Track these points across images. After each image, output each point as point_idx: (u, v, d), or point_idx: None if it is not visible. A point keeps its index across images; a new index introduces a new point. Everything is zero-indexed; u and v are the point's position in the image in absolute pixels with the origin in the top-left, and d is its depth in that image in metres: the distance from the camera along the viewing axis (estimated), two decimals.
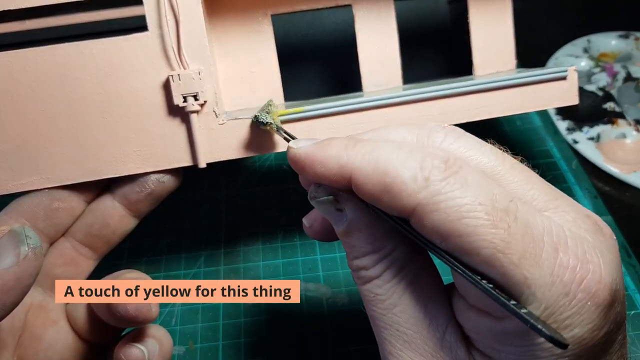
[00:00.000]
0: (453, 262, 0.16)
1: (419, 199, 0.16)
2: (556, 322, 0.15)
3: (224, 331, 0.31)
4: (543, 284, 0.15)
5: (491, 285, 0.15)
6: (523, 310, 0.15)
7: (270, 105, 0.24)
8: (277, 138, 0.26)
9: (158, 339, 0.24)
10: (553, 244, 0.16)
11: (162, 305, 0.32)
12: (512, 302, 0.15)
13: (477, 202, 0.15)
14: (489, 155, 0.18)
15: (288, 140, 0.22)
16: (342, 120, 0.26)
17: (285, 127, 0.25)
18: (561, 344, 0.14)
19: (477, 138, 0.19)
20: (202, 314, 0.32)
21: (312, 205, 0.20)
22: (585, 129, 0.45)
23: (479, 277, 0.15)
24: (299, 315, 0.32)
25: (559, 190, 0.18)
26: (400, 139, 0.19)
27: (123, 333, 0.26)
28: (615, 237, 0.18)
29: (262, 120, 0.24)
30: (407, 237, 0.18)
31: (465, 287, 0.17)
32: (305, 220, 0.23)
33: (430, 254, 0.19)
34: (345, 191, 0.19)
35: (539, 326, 0.14)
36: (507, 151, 0.19)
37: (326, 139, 0.19)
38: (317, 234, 0.22)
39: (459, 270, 0.16)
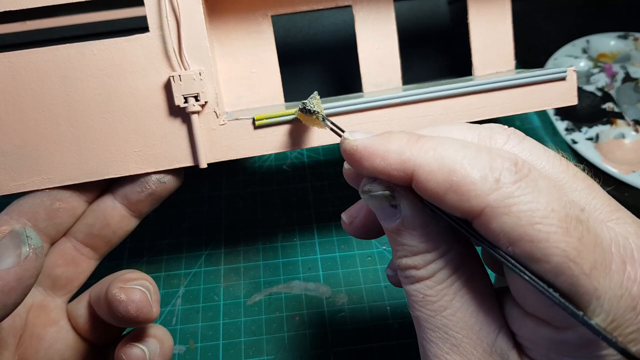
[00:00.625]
0: (519, 267, 0.15)
1: (489, 200, 0.15)
2: (621, 335, 0.15)
3: (224, 330, 0.31)
4: (612, 296, 0.15)
5: (557, 294, 0.15)
6: (592, 321, 0.14)
7: (314, 97, 0.24)
8: (277, 139, 0.26)
9: (159, 338, 0.24)
10: (620, 255, 0.15)
11: (163, 305, 0.32)
12: (580, 312, 0.15)
13: (549, 209, 0.15)
14: (552, 161, 0.18)
15: (336, 132, 0.21)
16: (343, 121, 0.26)
17: (284, 128, 0.25)
18: (632, 357, 0.14)
19: (539, 143, 0.19)
20: (202, 314, 0.32)
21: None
22: (584, 129, 0.45)
23: (547, 285, 0.15)
24: (299, 315, 0.32)
25: (618, 202, 0.18)
26: (461, 138, 0.18)
27: (124, 333, 0.26)
28: None
29: (309, 107, 0.23)
30: (461, 240, 0.18)
31: (522, 294, 0.17)
32: (345, 216, 0.22)
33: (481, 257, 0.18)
34: (402, 187, 0.18)
35: (612, 338, 0.14)
36: (569, 159, 0.19)
37: (385, 132, 0.18)
38: (356, 230, 0.22)
39: (525, 277, 0.15)
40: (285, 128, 0.25)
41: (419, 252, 0.18)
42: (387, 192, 0.18)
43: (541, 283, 0.15)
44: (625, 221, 0.17)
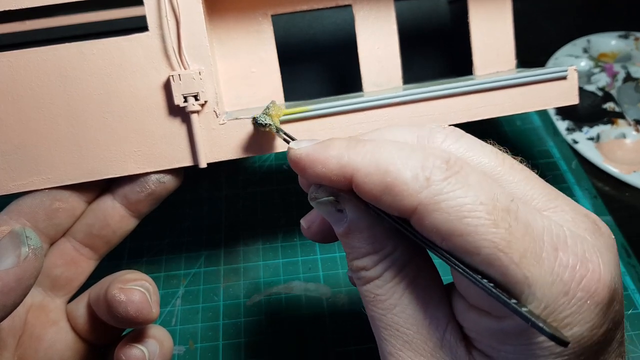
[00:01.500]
0: (454, 261, 0.16)
1: (420, 198, 0.16)
2: (556, 320, 0.15)
3: (223, 331, 0.31)
4: (543, 283, 0.15)
5: (492, 285, 0.15)
6: (524, 309, 0.15)
7: (270, 107, 0.24)
8: (277, 139, 0.26)
9: (158, 339, 0.24)
10: (553, 243, 0.16)
11: (162, 305, 0.32)
12: (513, 301, 0.15)
13: (478, 202, 0.15)
14: (489, 156, 0.18)
15: (287, 142, 0.22)
16: (343, 120, 0.26)
17: (287, 127, 0.25)
18: (562, 342, 0.14)
19: (477, 139, 0.19)
20: (202, 314, 0.32)
21: (312, 206, 0.20)
22: (585, 129, 0.45)
23: (480, 277, 0.16)
24: (299, 315, 0.32)
25: (557, 190, 0.18)
26: (401, 139, 0.19)
27: (123, 333, 0.26)
28: (613, 236, 0.18)
29: (260, 122, 0.24)
30: (407, 238, 0.18)
31: (465, 286, 0.17)
32: (303, 222, 0.23)
33: (430, 253, 0.19)
34: (346, 192, 0.19)
35: (540, 324, 0.14)
36: (507, 152, 0.19)
37: (327, 139, 0.19)
38: (314, 235, 0.22)
39: (459, 270, 0.16)
40: (285, 127, 0.25)
41: (367, 253, 0.19)
42: (331, 198, 0.19)
43: (473, 275, 0.16)
44: (562, 209, 0.17)
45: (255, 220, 0.37)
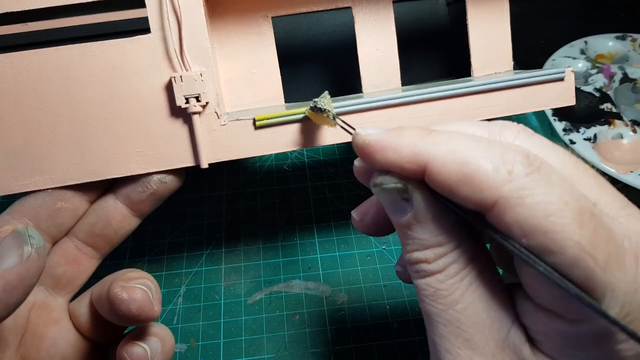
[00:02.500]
0: (534, 259, 0.15)
1: (502, 192, 0.15)
2: (637, 329, 0.15)
3: (224, 329, 0.31)
4: (627, 290, 0.15)
5: (573, 285, 0.15)
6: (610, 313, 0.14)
7: (325, 96, 0.24)
8: (278, 139, 0.26)
9: (160, 337, 0.24)
10: (633, 251, 0.15)
11: (164, 304, 0.32)
12: (596, 303, 0.14)
13: (563, 201, 0.15)
14: (562, 157, 0.18)
15: (345, 129, 0.22)
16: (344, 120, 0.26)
17: (284, 128, 0.26)
18: None
19: (547, 139, 0.19)
20: (203, 312, 0.32)
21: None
22: (582, 129, 0.45)
23: (562, 277, 0.15)
24: (299, 314, 0.32)
25: (627, 199, 0.18)
26: (471, 133, 0.18)
27: (125, 331, 0.26)
28: None
29: (320, 106, 0.23)
30: (471, 234, 0.18)
31: (535, 287, 0.16)
32: (355, 214, 0.22)
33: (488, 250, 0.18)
34: (413, 180, 0.18)
35: (631, 328, 0.14)
36: (578, 156, 0.19)
37: (397, 127, 0.18)
38: (368, 227, 0.22)
39: (540, 269, 0.15)
40: (285, 128, 0.26)
41: (430, 245, 0.18)
42: (399, 185, 0.18)
43: (557, 274, 0.15)
44: (636, 217, 0.17)
45: (255, 219, 0.37)
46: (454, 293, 0.18)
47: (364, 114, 0.26)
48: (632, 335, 0.14)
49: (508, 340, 0.17)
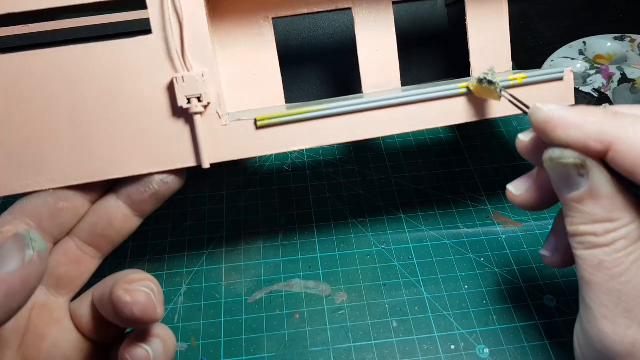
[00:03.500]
0: None
1: None
2: None
3: (225, 328, 0.32)
4: None
5: None
6: None
7: (493, 69, 0.25)
8: (279, 139, 0.26)
9: (163, 338, 0.23)
10: None
11: (165, 303, 0.33)
12: None
13: None
14: None
15: (512, 103, 0.23)
16: (345, 121, 0.26)
17: (285, 128, 0.26)
18: None
19: None
20: (204, 311, 0.32)
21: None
22: None
23: None
24: (299, 313, 0.32)
25: None
26: None
27: (127, 331, 0.26)
28: None
29: (490, 79, 0.25)
30: None
31: None
32: (513, 188, 0.23)
33: None
34: (592, 158, 0.19)
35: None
36: None
37: (578, 105, 0.20)
38: (528, 200, 0.23)
39: None
40: (286, 128, 0.26)
41: (600, 220, 0.19)
42: (579, 160, 0.19)
43: None
44: None
45: (256, 219, 0.37)
46: (619, 266, 0.19)
47: (366, 113, 0.27)
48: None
49: None
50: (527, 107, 0.23)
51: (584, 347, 0.21)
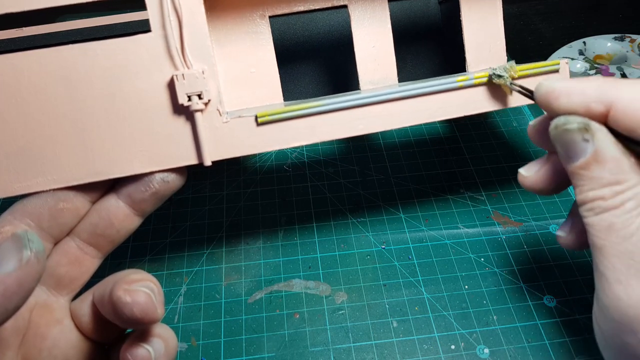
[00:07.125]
0: None
1: None
2: None
3: (225, 328, 0.31)
4: None
5: None
6: None
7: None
8: (280, 135, 0.26)
9: (164, 338, 0.23)
10: None
11: (165, 303, 0.32)
12: None
13: None
14: None
15: (522, 93, 0.25)
16: (344, 116, 0.26)
17: (285, 125, 0.26)
18: None
19: None
20: (204, 311, 0.32)
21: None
22: None
23: None
24: (299, 313, 0.32)
25: None
26: None
27: (128, 331, 0.26)
28: None
29: (498, 73, 0.27)
30: None
31: None
32: (525, 171, 0.24)
33: None
34: (597, 122, 0.20)
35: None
36: None
37: (577, 77, 0.21)
38: (540, 182, 0.24)
39: None
40: (287, 124, 0.26)
41: (607, 183, 0.19)
42: (582, 124, 0.20)
43: None
44: None
45: (256, 219, 0.37)
46: (630, 227, 0.19)
47: (364, 108, 0.27)
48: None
49: None
50: (532, 91, 0.24)
51: (602, 322, 0.20)
